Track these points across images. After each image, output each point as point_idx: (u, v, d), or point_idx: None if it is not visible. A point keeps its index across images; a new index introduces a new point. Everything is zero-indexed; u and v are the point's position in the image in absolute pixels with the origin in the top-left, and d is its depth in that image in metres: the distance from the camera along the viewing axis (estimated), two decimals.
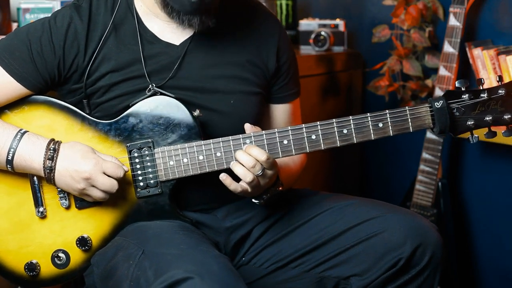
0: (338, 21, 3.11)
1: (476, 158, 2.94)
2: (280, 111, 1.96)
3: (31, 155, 1.71)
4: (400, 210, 1.84)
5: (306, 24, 3.13)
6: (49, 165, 1.70)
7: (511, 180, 2.85)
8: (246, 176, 1.69)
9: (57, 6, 2.58)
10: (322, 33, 3.04)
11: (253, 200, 1.82)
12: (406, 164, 3.13)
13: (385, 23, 2.98)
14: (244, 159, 1.69)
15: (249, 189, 1.72)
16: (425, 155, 2.82)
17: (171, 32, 1.81)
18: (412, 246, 1.74)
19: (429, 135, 2.80)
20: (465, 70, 2.82)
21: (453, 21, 2.69)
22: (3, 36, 1.85)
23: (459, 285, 2.93)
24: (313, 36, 3.05)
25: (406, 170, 3.10)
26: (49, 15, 1.94)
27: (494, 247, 2.94)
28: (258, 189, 1.75)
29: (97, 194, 1.71)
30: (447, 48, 2.71)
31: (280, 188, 1.82)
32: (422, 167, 2.83)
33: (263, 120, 1.93)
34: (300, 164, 2.01)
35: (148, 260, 1.62)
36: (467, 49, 2.72)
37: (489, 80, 2.64)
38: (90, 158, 1.70)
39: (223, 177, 1.70)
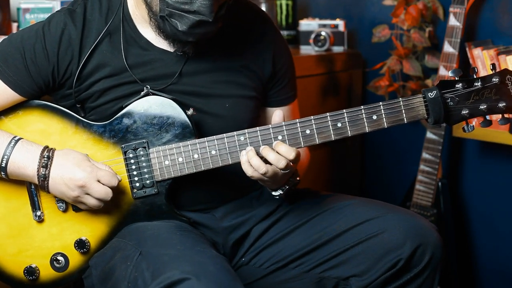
0: (338, 21, 3.10)
1: (476, 158, 2.94)
2: None
3: (24, 163, 1.71)
4: (400, 211, 1.84)
5: (306, 24, 3.13)
6: (43, 173, 1.70)
7: (511, 180, 2.85)
8: (260, 167, 1.68)
9: (57, 6, 2.57)
10: (322, 33, 3.04)
11: (273, 193, 1.83)
12: (406, 164, 3.13)
13: (385, 23, 2.98)
14: (272, 157, 1.68)
15: (265, 179, 1.71)
16: (425, 155, 2.82)
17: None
18: (411, 247, 1.74)
19: (429, 135, 2.80)
20: (465, 70, 2.80)
21: (453, 21, 2.69)
22: (2, 37, 1.85)
23: (459, 285, 2.93)
24: (313, 36, 3.05)
25: (406, 170, 3.10)
26: (49, 15, 1.93)
27: (494, 247, 2.94)
28: (278, 181, 1.74)
29: (91, 201, 1.71)
30: (447, 48, 2.71)
31: (298, 178, 1.82)
32: (422, 167, 2.83)
33: (259, 123, 1.92)
34: (306, 157, 2.02)
35: (145, 261, 1.63)
36: (467, 49, 2.72)
37: None
38: (85, 166, 1.70)
39: (243, 152, 1.69)
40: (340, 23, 3.09)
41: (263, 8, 3.10)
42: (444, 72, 2.71)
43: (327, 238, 1.82)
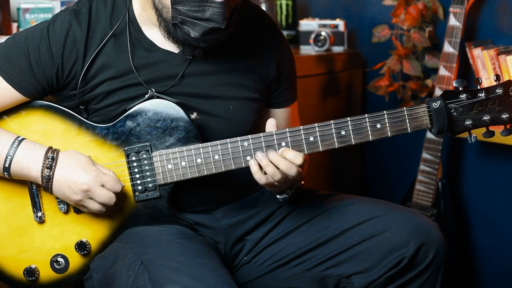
0: (338, 21, 3.10)
1: (476, 158, 2.94)
2: (279, 115, 1.96)
3: (28, 163, 1.70)
4: (403, 209, 1.85)
5: (306, 24, 3.12)
6: (47, 174, 1.69)
7: (511, 180, 2.85)
8: (275, 175, 1.69)
9: (57, 6, 2.57)
10: (322, 33, 3.04)
11: (278, 196, 1.83)
12: (406, 164, 3.13)
13: (385, 23, 2.98)
14: (283, 165, 1.68)
15: (276, 183, 1.72)
16: (425, 155, 2.82)
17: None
18: (415, 245, 1.75)
19: (429, 135, 2.80)
20: (465, 70, 2.82)
21: (453, 21, 2.69)
22: (3, 37, 1.84)
23: (459, 285, 2.93)
24: (313, 36, 3.05)
25: (406, 170, 3.09)
26: (49, 15, 1.93)
27: (494, 247, 2.94)
28: (285, 184, 1.75)
29: (94, 206, 1.71)
30: (447, 48, 2.71)
31: (302, 182, 1.82)
32: (422, 167, 2.83)
33: (262, 124, 1.92)
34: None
35: (147, 272, 1.62)
36: (467, 49, 2.71)
37: (489, 80, 2.63)
38: (90, 170, 1.69)
39: (252, 163, 1.69)
40: (340, 23, 3.09)
41: (263, 8, 3.10)
42: (444, 72, 2.71)
43: (330, 236, 1.83)
